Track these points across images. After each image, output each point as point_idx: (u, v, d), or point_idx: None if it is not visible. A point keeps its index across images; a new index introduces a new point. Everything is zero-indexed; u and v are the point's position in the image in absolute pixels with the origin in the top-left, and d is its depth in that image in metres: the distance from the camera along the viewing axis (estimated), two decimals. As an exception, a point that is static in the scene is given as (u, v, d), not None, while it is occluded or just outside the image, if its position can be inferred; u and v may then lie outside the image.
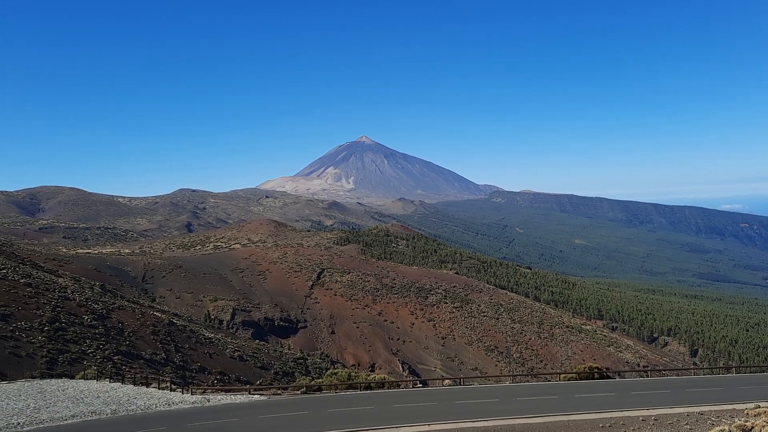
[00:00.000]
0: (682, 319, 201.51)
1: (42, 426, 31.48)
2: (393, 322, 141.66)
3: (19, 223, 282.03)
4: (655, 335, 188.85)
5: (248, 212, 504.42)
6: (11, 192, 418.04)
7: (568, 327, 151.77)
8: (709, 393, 36.93)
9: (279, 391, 44.98)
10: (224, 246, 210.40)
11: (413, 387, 50.76)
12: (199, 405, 37.28)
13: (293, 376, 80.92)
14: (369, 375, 53.44)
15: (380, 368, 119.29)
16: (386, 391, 42.52)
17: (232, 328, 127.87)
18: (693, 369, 63.61)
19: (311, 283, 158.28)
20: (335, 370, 54.51)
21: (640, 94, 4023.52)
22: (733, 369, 59.34)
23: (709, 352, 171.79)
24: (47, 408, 35.44)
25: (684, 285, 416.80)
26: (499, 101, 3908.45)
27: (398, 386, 46.81)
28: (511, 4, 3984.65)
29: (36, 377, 49.17)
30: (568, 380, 46.19)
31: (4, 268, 78.32)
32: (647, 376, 61.10)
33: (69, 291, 79.52)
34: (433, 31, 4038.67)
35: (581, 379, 45.61)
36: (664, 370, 68.26)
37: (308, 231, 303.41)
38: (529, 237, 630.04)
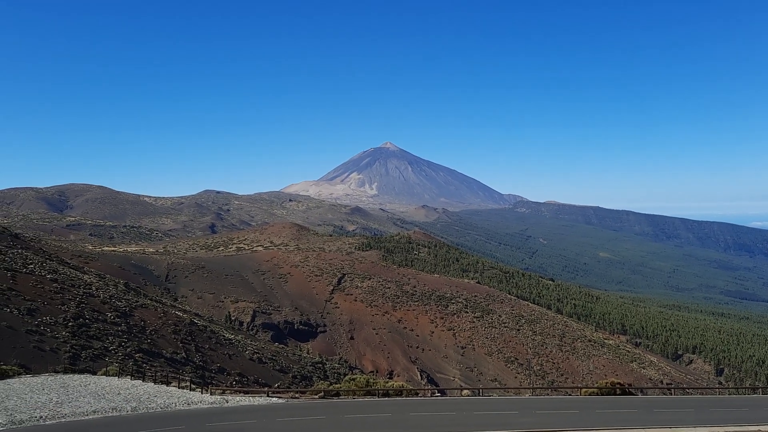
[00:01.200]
0: (708, 337, 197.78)
1: (64, 420, 31.87)
2: (412, 330, 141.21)
3: (47, 220, 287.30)
4: (680, 352, 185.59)
5: (271, 215, 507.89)
6: (41, 188, 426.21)
7: (590, 341, 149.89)
8: (734, 413, 36.15)
9: (297, 395, 45.02)
10: (247, 248, 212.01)
11: (431, 396, 50.53)
12: (217, 405, 37.50)
13: (311, 381, 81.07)
14: (387, 382, 53.33)
15: (398, 376, 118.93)
16: (404, 399, 42.33)
17: (252, 329, 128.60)
18: (718, 388, 62.43)
19: (332, 287, 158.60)
20: (353, 376, 54.42)
21: (669, 108, 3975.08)
22: (760, 389, 58.06)
23: (735, 372, 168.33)
24: (69, 403, 35.90)
25: (711, 302, 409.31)
26: (526, 111, 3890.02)
27: (416, 394, 46.62)
28: (537, 18, 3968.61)
29: (59, 372, 49.87)
30: (589, 395, 45.56)
31: (31, 264, 79.80)
32: (671, 394, 60.04)
33: (94, 288, 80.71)
34: (461, 40, 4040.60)
35: (603, 395, 44.95)
36: (689, 389, 67.07)
37: (330, 236, 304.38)
38: (552, 248, 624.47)
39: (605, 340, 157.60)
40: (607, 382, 47.19)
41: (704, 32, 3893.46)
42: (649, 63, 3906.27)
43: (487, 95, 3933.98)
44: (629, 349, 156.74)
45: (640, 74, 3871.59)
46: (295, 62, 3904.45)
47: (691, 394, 60.99)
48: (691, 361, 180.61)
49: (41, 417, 32.04)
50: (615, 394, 45.18)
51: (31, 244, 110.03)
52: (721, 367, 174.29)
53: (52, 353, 54.91)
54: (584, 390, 47.63)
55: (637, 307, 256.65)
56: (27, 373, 47.17)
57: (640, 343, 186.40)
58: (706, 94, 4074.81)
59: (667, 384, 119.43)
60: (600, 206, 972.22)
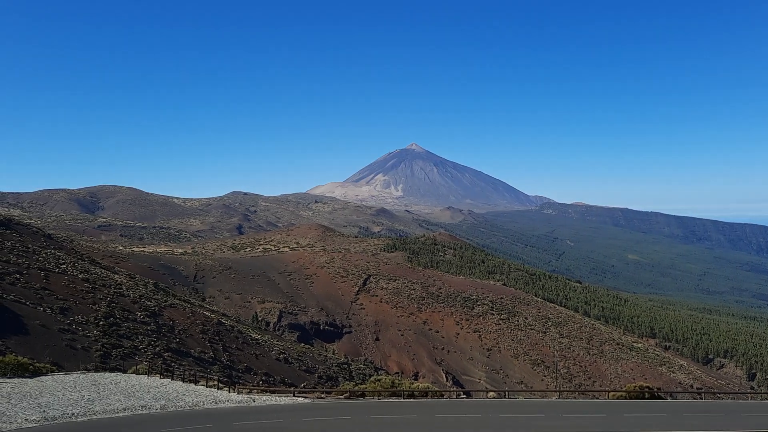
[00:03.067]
0: (740, 341, 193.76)
1: (95, 417, 32.50)
2: (438, 332, 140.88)
3: (79, 221, 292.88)
4: (711, 357, 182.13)
5: (298, 216, 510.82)
6: (73, 190, 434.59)
7: (618, 344, 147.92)
8: (766, 418, 35.45)
9: (323, 395, 45.26)
10: (273, 249, 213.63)
11: (457, 397, 50.37)
12: (244, 405, 37.89)
13: (337, 381, 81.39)
14: (412, 383, 53.26)
15: (424, 377, 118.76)
16: (429, 400, 42.30)
17: (279, 330, 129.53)
18: (750, 393, 61.11)
19: (357, 288, 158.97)
20: (379, 377, 54.51)
21: (698, 109, 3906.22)
22: (794, 395, 56.71)
23: (767, 377, 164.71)
24: (100, 400, 36.58)
25: (743, 305, 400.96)
26: (552, 113, 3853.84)
27: (441, 396, 46.51)
28: (560, 19, 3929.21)
29: (90, 370, 50.82)
30: (617, 398, 45.04)
31: (64, 263, 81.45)
32: (701, 399, 59.03)
33: (124, 287, 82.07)
34: (486, 42, 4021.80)
35: (631, 398, 44.38)
36: (719, 393, 65.86)
37: (356, 237, 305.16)
38: (580, 250, 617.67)
39: (634, 344, 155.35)
40: (635, 386, 46.58)
41: (732, 31, 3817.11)
42: (677, 62, 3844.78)
43: (513, 96, 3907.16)
44: (658, 353, 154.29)
45: (671, 73, 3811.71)
46: (321, 65, 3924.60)
47: (722, 398, 59.85)
48: (722, 365, 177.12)
49: (73, 414, 32.71)
50: (643, 397, 44.58)
51: (64, 244, 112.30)
52: (754, 371, 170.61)
53: (83, 351, 56.00)
54: (612, 393, 47.07)
55: (667, 310, 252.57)
56: (59, 371, 48.12)
57: (670, 346, 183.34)
58: (738, 92, 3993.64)
59: (697, 388, 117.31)
60: (628, 207, 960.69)
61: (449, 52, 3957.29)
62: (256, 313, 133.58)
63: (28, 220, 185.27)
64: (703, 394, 58.51)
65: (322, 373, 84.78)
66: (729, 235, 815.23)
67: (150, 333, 67.61)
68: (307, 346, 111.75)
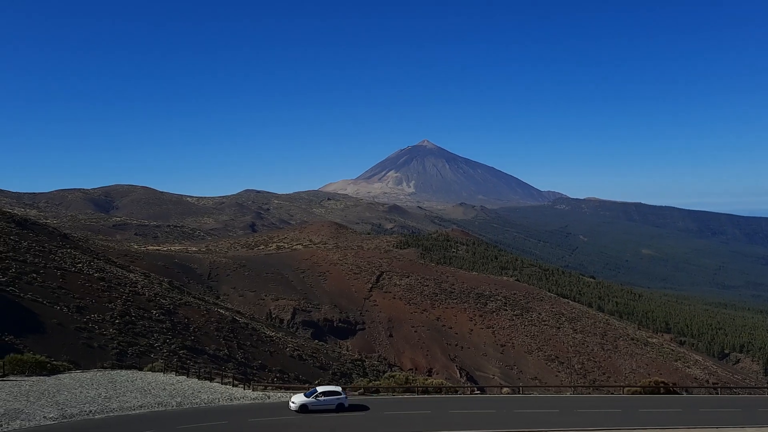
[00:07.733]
0: (756, 336, 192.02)
1: (112, 414, 32.90)
2: (451, 328, 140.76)
3: (94, 220, 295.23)
4: (727, 351, 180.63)
5: (310, 214, 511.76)
6: (88, 189, 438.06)
7: (633, 339, 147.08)
8: (784, 414, 35.17)
9: (337, 392, 45.41)
10: (286, 246, 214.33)
11: (471, 393, 50.48)
12: (259, 401, 38.17)
13: (351, 377, 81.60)
14: (426, 379, 53.32)
15: (437, 373, 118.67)
16: (443, 396, 42.39)
17: (292, 327, 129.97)
18: (767, 388, 60.57)
19: (370, 285, 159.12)
20: (393, 373, 54.62)
21: (712, 101, 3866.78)
22: (812, 390, 56.13)
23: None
24: (117, 397, 37.00)
25: (759, 300, 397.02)
26: (564, 106, 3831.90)
27: (455, 392, 46.62)
28: (570, 16, 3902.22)
29: (107, 368, 51.36)
30: (632, 394, 44.88)
31: (80, 263, 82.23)
32: (717, 394, 58.67)
33: (139, 286, 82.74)
34: (500, 38, 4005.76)
35: (646, 394, 44.20)
36: (736, 388, 65.40)
37: (368, 234, 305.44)
38: (593, 245, 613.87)
39: (648, 339, 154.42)
40: (650, 381, 46.43)
41: (748, 22, 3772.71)
42: (690, 54, 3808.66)
43: (525, 92, 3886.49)
44: (673, 348, 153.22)
45: (684, 66, 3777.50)
46: (332, 62, 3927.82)
47: (739, 393, 59.43)
48: (738, 360, 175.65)
49: (91, 411, 33.13)
50: (659, 393, 44.39)
51: (80, 243, 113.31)
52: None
53: (100, 349, 56.57)
54: (627, 389, 46.91)
55: (682, 305, 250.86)
56: (76, 369, 48.66)
57: (685, 341, 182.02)
58: (752, 84, 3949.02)
59: (713, 383, 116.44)
60: (642, 202, 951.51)
61: (461, 47, 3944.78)
62: (269, 310, 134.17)
63: (44, 220, 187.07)
64: (719, 389, 58.14)
65: (336, 370, 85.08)
66: (745, 229, 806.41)
67: (165, 331, 68.16)
68: (320, 343, 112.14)
